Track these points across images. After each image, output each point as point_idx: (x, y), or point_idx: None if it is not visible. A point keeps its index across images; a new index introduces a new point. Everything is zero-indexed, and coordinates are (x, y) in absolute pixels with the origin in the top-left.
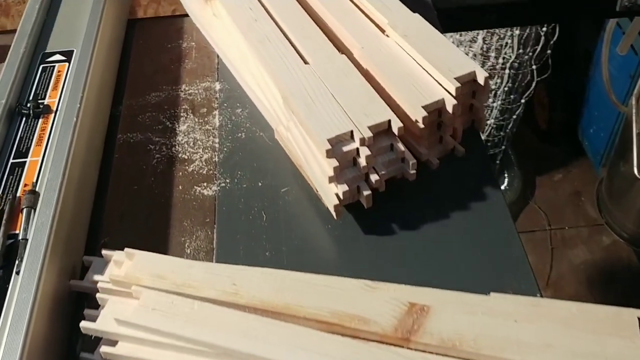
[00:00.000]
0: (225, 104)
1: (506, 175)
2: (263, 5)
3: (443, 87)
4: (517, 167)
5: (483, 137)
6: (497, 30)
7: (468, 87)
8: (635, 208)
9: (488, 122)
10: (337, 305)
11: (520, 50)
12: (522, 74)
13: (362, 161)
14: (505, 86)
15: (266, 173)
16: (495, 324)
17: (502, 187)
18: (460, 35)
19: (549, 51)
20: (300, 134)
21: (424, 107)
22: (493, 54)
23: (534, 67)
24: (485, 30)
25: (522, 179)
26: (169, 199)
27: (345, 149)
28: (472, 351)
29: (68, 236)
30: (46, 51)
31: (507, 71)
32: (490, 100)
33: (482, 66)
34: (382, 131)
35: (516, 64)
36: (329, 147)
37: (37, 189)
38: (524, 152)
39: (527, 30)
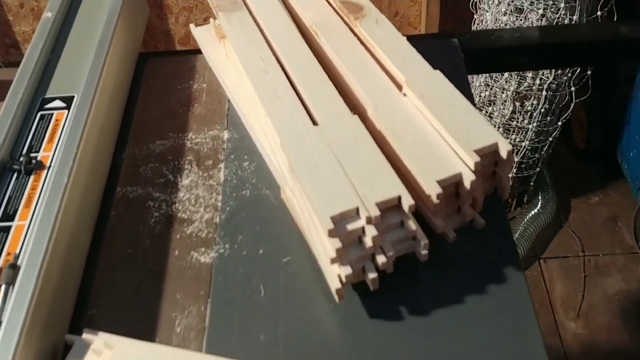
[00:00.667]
0: (232, 156)
1: (540, 196)
2: (274, 53)
3: (461, 159)
4: (552, 188)
5: (517, 159)
6: None
7: (489, 158)
8: None
9: (523, 143)
10: None
11: (559, 71)
12: (560, 95)
13: (368, 241)
14: (542, 108)
15: (269, 238)
16: None
17: (535, 210)
18: None
19: (589, 72)
20: (304, 202)
21: (439, 182)
22: (530, 74)
23: (572, 88)
24: None
25: (557, 200)
26: (163, 267)
27: (350, 227)
28: None
29: (49, 314)
30: (46, 96)
31: (544, 92)
32: (526, 121)
33: (518, 87)
34: (392, 206)
35: (554, 85)
36: (332, 226)
37: (18, 262)
38: (560, 171)
39: None
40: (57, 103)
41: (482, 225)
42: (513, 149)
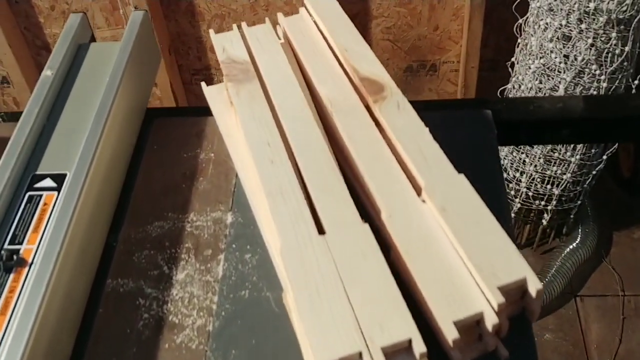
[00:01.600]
0: (234, 245)
1: (580, 229)
2: (283, 136)
3: (483, 293)
4: (593, 220)
5: (557, 191)
6: (581, 81)
7: (515, 293)
8: None
9: (564, 176)
10: None
11: None
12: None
13: None
14: None
15: (265, 357)
16: None
17: (574, 244)
18: (540, 82)
19: None
20: (301, 334)
21: (457, 322)
22: None
23: None
24: (568, 80)
25: (598, 233)
26: None
27: None
28: None
29: None
30: (37, 172)
31: None
32: (569, 154)
33: None
34: (400, 349)
35: None
36: None
37: None
38: (603, 201)
39: (617, 83)
40: (48, 182)
41: (505, 357)
42: (543, 288)
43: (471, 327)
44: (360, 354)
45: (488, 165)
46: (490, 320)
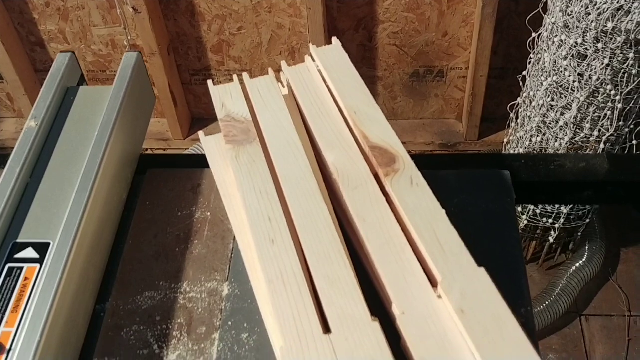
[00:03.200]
0: (230, 323)
1: (587, 247)
2: (286, 213)
3: None
4: (601, 238)
5: (566, 210)
6: (595, 100)
7: None
8: None
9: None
10: None
11: (621, 122)
12: (620, 149)
13: None
14: None
15: None
16: None
17: (581, 262)
18: (552, 99)
19: None
20: None
21: None
22: (588, 125)
23: (634, 142)
24: (582, 99)
25: (605, 251)
26: None
27: None
28: None
29: None
30: (17, 240)
31: (602, 145)
32: None
33: (574, 137)
34: None
35: (613, 138)
36: None
37: None
38: (611, 218)
39: (631, 104)
40: (29, 252)
41: None
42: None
43: None
44: None
45: (505, 233)
46: None
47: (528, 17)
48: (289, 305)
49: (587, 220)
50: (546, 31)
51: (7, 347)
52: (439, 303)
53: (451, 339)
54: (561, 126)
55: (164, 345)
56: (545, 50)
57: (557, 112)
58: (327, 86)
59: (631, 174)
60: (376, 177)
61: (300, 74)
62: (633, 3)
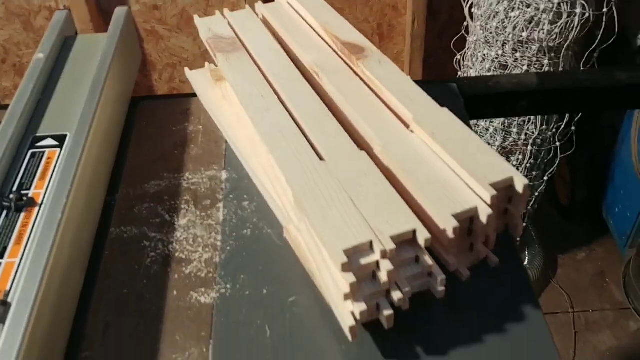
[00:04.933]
0: (231, 196)
1: (527, 252)
2: (276, 93)
3: (476, 193)
4: (538, 244)
5: None
6: None
7: (504, 193)
8: None
9: None
10: None
11: (544, 127)
12: (545, 150)
13: (383, 276)
14: (527, 163)
15: (272, 279)
16: None
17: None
18: None
19: (573, 127)
20: (313, 238)
21: (455, 216)
22: (515, 130)
23: (557, 144)
24: None
25: (544, 257)
26: (161, 308)
27: (364, 261)
28: None
29: (40, 355)
30: (37, 134)
31: (529, 147)
32: None
33: (504, 142)
34: (406, 241)
35: (539, 141)
36: (345, 260)
37: (9, 299)
38: (546, 228)
39: None
40: (49, 141)
41: (495, 263)
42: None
43: (464, 233)
44: (371, 243)
45: None
46: (485, 213)
47: (453, 40)
48: (288, 147)
49: (524, 224)
50: (469, 50)
51: (39, 202)
52: (413, 137)
53: (426, 158)
54: (491, 133)
55: (174, 215)
56: (470, 67)
57: (486, 120)
58: (299, 14)
59: (555, 84)
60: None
61: (274, 8)
62: (542, 14)
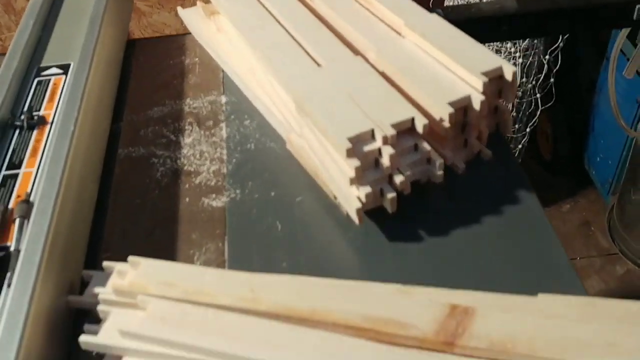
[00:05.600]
0: (233, 116)
1: None
2: (269, 12)
3: (468, 83)
4: None
5: None
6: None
7: (494, 85)
8: None
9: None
10: (369, 310)
11: (524, 79)
12: (526, 102)
13: (386, 161)
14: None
15: (278, 183)
16: (550, 325)
17: None
18: None
19: (552, 80)
20: (316, 137)
21: (450, 104)
22: None
23: (537, 95)
24: None
25: None
26: (175, 212)
27: (367, 148)
28: (527, 354)
29: (64, 250)
30: (42, 65)
31: None
32: None
33: None
34: (405, 130)
35: (519, 93)
36: (350, 145)
37: (31, 199)
38: (530, 183)
39: (530, 59)
40: (54, 70)
41: (489, 156)
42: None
43: (458, 127)
44: (372, 132)
45: None
46: (478, 100)
47: None
48: (286, 57)
49: None
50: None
51: (50, 120)
52: (405, 41)
53: (419, 57)
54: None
55: (180, 135)
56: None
57: None
58: None
59: (535, 6)
60: None
61: None
62: None
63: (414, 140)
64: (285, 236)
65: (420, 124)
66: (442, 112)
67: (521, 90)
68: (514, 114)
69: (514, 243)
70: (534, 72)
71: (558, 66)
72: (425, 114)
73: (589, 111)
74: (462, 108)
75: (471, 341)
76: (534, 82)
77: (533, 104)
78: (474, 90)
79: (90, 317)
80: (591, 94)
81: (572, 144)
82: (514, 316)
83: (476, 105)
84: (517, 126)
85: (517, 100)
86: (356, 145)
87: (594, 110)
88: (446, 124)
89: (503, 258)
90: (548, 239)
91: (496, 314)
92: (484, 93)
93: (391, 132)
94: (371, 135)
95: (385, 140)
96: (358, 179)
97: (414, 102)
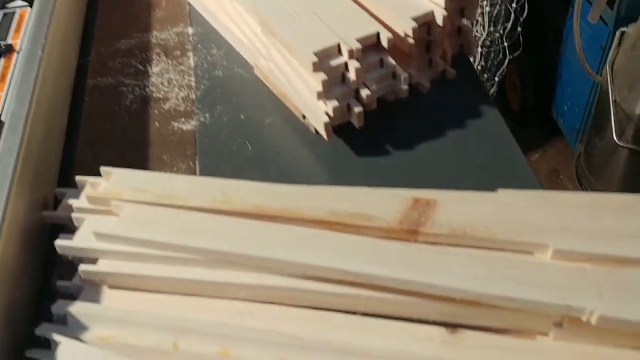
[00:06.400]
0: (200, 46)
1: None
2: None
3: (431, 0)
4: None
5: None
6: None
7: (456, 3)
8: (618, 176)
9: None
10: (336, 206)
11: (491, 28)
12: (494, 52)
13: (352, 75)
14: (477, 65)
15: (247, 107)
16: (507, 212)
17: None
18: None
19: (519, 29)
20: (283, 56)
21: (414, 19)
22: None
23: (505, 44)
24: None
25: None
26: (146, 136)
27: (334, 63)
28: (485, 237)
29: (36, 167)
30: None
31: (479, 49)
32: None
33: None
34: (370, 46)
35: (488, 42)
36: (316, 59)
37: (1, 118)
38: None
39: (497, 8)
40: (19, 2)
41: (453, 76)
42: None
43: (422, 46)
44: (338, 46)
45: None
46: (440, 14)
47: None
48: None
49: None
50: None
51: (17, 48)
52: None
53: None
54: None
55: (147, 64)
56: None
57: None
58: None
59: None
60: None
61: None
62: None
63: (380, 56)
64: (255, 155)
65: (385, 38)
66: (406, 28)
67: (489, 39)
68: (482, 63)
69: (476, 151)
70: (501, 20)
71: (525, 15)
72: (389, 30)
73: (556, 60)
74: (425, 24)
75: (432, 228)
76: (501, 31)
77: (501, 53)
78: (437, 6)
79: (65, 230)
80: (558, 42)
81: (540, 95)
82: (473, 206)
83: (439, 20)
84: (485, 75)
85: (485, 50)
86: (323, 60)
87: (560, 58)
88: (410, 39)
89: (466, 165)
90: (508, 146)
91: (456, 204)
92: (446, 9)
93: (357, 45)
94: (337, 49)
95: (351, 54)
96: (325, 93)
97: (378, 19)
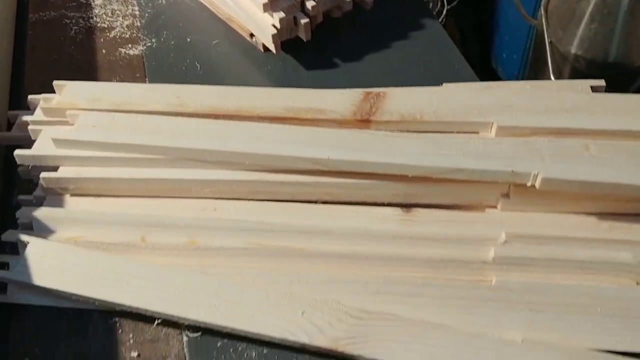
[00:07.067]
0: None
1: None
2: None
3: None
4: None
5: None
6: None
7: None
8: None
9: None
10: (290, 103)
11: None
12: (432, 2)
13: None
14: None
15: (193, 31)
16: (453, 99)
17: None
18: None
19: None
20: None
21: None
22: None
23: None
24: None
25: None
26: (93, 63)
27: None
28: (433, 121)
29: None
30: None
31: None
32: None
33: None
34: None
35: None
36: None
37: None
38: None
39: None
40: None
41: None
42: None
43: None
44: None
45: None
46: None
47: None
48: None
49: None
50: None
51: None
52: None
53: None
54: None
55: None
56: None
57: None
58: None
59: None
60: None
61: None
62: None
63: None
64: (204, 74)
65: None
66: None
67: None
68: None
69: (420, 58)
70: None
71: None
72: None
73: (494, 13)
74: None
75: (384, 116)
76: None
77: (439, 4)
78: None
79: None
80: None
81: (480, 47)
82: (421, 96)
83: None
84: None
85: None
86: None
87: (497, 9)
88: None
89: (412, 69)
90: (452, 54)
91: (406, 95)
92: None
93: None
94: None
95: None
96: (271, 4)
97: None
